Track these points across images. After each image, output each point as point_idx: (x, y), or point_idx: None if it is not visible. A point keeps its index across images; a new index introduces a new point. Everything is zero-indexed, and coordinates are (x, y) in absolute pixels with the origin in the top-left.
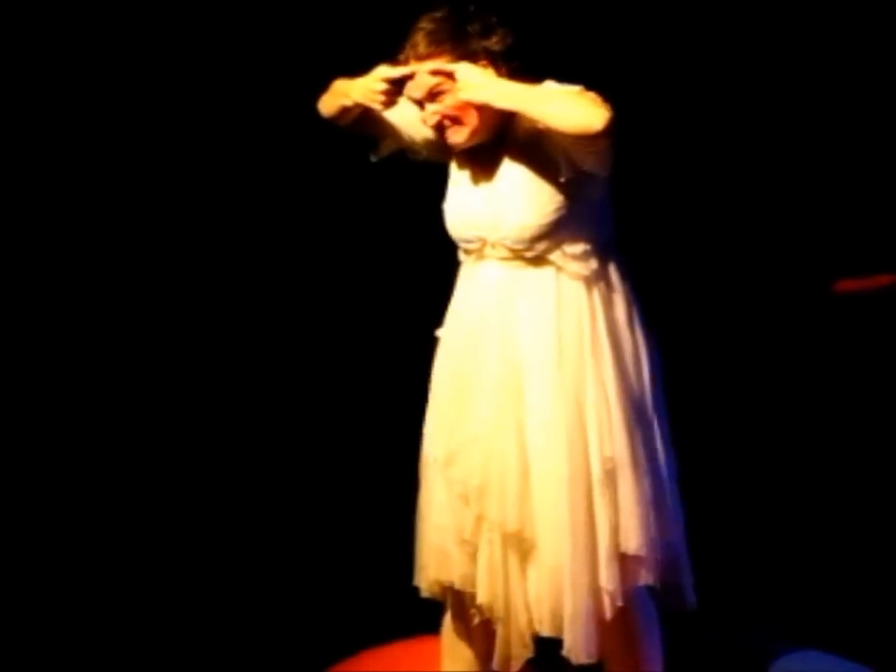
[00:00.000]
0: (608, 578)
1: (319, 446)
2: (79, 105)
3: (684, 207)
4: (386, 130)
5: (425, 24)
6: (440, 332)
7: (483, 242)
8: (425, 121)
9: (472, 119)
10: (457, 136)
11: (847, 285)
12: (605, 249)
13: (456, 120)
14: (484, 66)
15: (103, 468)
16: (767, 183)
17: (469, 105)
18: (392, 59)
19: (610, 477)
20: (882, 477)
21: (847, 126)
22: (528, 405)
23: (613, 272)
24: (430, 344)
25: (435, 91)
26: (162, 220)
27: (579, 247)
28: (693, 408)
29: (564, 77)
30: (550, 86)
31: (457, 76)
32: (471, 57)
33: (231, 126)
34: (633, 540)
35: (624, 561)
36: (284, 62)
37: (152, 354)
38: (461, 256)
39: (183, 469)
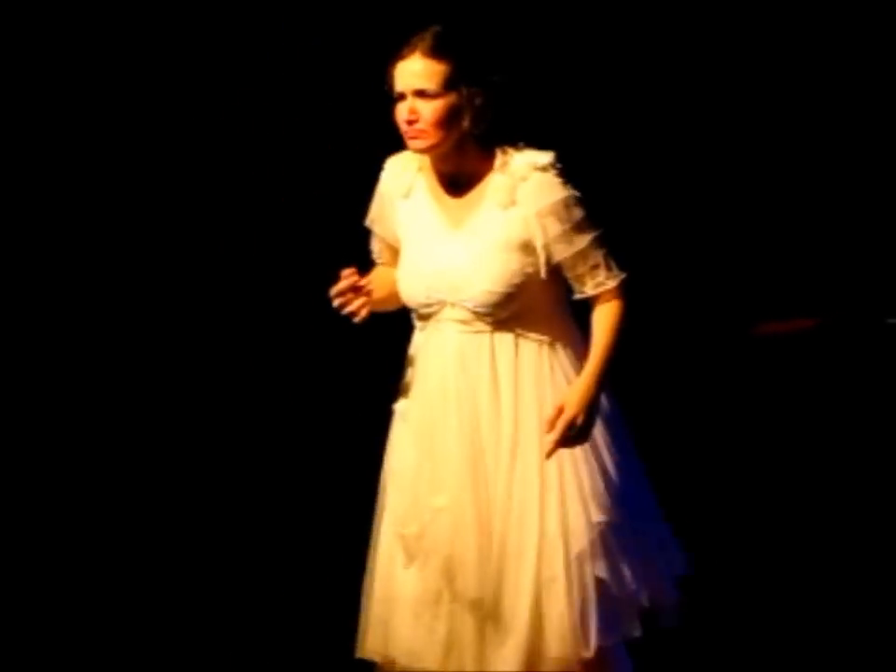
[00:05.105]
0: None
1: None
2: (78, 106)
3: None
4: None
5: (437, 27)
6: (397, 406)
7: (443, 304)
8: (398, 113)
9: (440, 132)
10: (419, 141)
11: (767, 328)
12: (563, 312)
13: (426, 125)
14: (477, 93)
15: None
16: (688, 226)
17: (443, 117)
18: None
19: (602, 538)
20: (807, 522)
21: (770, 170)
22: (490, 473)
23: (569, 333)
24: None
25: (420, 90)
26: (153, 223)
27: (541, 313)
28: None
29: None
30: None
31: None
32: (471, 70)
33: (225, 136)
34: (624, 590)
35: (612, 616)
36: (281, 62)
37: (130, 365)
38: (416, 322)
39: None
